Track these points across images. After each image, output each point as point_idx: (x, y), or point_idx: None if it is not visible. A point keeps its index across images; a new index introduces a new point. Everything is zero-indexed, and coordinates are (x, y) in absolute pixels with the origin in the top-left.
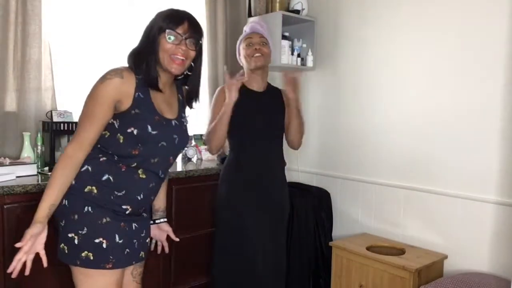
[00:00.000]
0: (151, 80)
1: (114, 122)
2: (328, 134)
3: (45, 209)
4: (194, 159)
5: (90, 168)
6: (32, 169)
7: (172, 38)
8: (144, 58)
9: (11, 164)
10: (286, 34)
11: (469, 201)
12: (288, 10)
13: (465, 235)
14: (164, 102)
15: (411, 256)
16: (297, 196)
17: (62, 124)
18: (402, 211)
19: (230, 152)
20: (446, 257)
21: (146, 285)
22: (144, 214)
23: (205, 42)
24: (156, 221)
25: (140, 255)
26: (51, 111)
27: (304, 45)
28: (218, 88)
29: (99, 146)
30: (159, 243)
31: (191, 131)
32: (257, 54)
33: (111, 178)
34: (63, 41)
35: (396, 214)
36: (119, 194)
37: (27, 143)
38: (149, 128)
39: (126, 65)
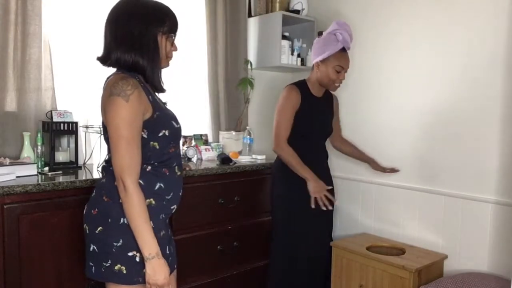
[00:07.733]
0: (159, 83)
1: (142, 133)
2: None
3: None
4: (194, 159)
5: (142, 182)
6: (32, 169)
7: (174, 41)
8: (150, 62)
9: (11, 164)
10: (286, 34)
11: (469, 201)
12: (288, 10)
13: (465, 235)
14: None
15: (411, 256)
16: None
17: (62, 124)
18: (402, 211)
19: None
20: (446, 257)
21: None
22: None
23: (205, 42)
24: None
25: (174, 264)
26: (51, 111)
27: (304, 45)
28: (288, 88)
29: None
30: None
31: (191, 131)
32: (338, 84)
33: (162, 185)
34: (63, 41)
35: (396, 214)
36: (168, 197)
37: (27, 143)
38: (174, 123)
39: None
